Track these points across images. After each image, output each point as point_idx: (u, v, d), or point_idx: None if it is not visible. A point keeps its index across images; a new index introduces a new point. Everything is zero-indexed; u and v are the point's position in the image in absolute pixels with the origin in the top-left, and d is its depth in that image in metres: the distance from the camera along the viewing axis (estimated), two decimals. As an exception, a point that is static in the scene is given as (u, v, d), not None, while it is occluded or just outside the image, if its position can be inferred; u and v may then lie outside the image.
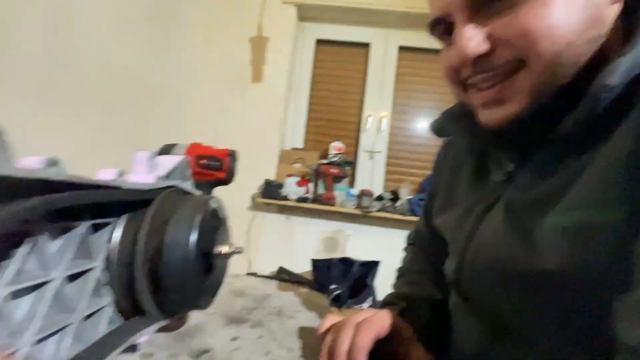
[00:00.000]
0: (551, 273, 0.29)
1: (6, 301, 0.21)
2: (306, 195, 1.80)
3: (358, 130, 2.00)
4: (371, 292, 1.52)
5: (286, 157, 1.89)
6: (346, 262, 1.59)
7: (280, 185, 1.76)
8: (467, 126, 0.38)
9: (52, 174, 0.20)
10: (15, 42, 0.93)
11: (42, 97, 1.02)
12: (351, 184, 1.95)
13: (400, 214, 1.67)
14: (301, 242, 1.82)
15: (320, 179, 1.81)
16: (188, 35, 1.83)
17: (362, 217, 1.76)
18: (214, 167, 0.56)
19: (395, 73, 1.99)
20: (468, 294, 0.39)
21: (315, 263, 1.58)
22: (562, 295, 0.29)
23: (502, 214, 0.35)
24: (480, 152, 0.43)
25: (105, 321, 0.30)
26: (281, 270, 1.68)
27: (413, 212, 1.69)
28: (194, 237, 0.33)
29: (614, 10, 0.29)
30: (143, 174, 0.33)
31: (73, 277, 0.26)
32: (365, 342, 0.36)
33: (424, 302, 0.47)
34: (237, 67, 1.89)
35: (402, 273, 0.57)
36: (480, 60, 0.30)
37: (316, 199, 1.76)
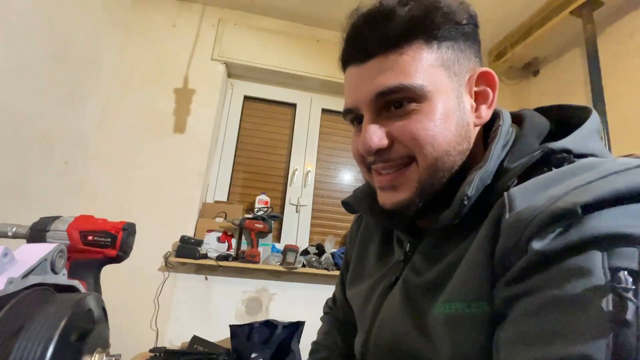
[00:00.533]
0: (439, 357, 0.31)
1: None
2: (228, 252, 1.69)
3: (285, 184, 2.03)
4: (295, 356, 1.43)
5: (208, 211, 1.79)
6: (269, 325, 1.49)
7: (199, 242, 1.63)
8: (371, 205, 0.43)
9: None
10: None
11: None
12: (277, 238, 1.91)
13: (325, 268, 1.68)
14: (220, 305, 1.66)
15: (244, 234, 1.74)
16: (104, 80, 1.71)
17: (287, 273, 1.72)
18: (104, 245, 0.50)
19: (319, 132, 2.14)
20: None
21: (235, 329, 1.44)
22: None
23: (400, 294, 0.38)
24: (385, 229, 0.48)
25: None
26: (195, 339, 1.49)
27: (337, 266, 1.71)
28: (49, 353, 0.27)
29: (476, 131, 0.39)
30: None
31: None
32: None
33: None
34: (158, 116, 1.81)
35: (314, 348, 0.55)
36: (381, 152, 0.37)
37: (239, 256, 1.67)
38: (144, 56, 1.86)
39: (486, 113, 0.39)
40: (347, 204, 0.49)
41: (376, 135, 0.36)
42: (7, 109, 1.18)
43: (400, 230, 0.43)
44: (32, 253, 0.33)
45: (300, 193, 2.01)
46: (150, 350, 1.38)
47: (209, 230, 1.72)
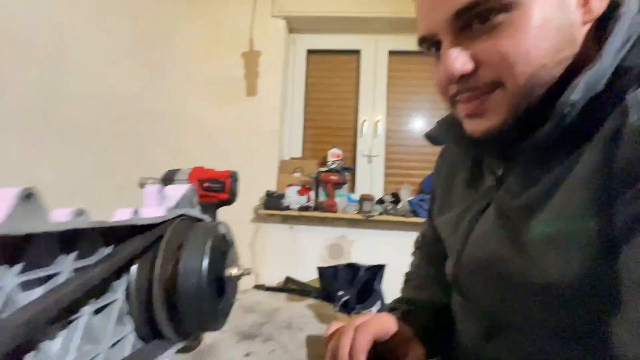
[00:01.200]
0: (538, 277, 0.31)
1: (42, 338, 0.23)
2: (308, 203, 1.82)
3: (355, 136, 2.03)
4: (379, 296, 1.53)
5: (286, 168, 1.92)
6: (352, 267, 1.61)
7: (281, 196, 1.78)
8: (457, 135, 0.41)
9: (80, 223, 0.22)
10: (8, 75, 0.96)
11: (37, 129, 1.05)
12: (351, 189, 1.97)
13: (402, 215, 1.69)
14: (306, 251, 1.84)
15: (320, 186, 1.83)
16: (180, 55, 1.87)
17: (365, 221, 1.78)
18: (217, 189, 0.59)
19: (387, 77, 2.02)
20: (465, 293, 0.41)
21: (322, 271, 1.59)
22: (549, 298, 0.31)
23: (494, 217, 0.37)
24: (474, 158, 0.46)
25: (129, 348, 0.32)
26: (288, 280, 1.69)
27: (414, 213, 1.70)
28: (205, 263, 0.35)
29: (585, 29, 0.32)
30: (154, 206, 0.36)
31: (98, 310, 0.28)
32: (364, 344, 0.38)
33: (426, 305, 0.49)
34: (231, 82, 1.92)
35: (408, 278, 0.59)
36: (464, 78, 0.33)
37: (318, 207, 1.78)
38: (210, 25, 1.95)
39: (599, 4, 0.31)
40: (432, 136, 0.47)
41: (458, 60, 0.32)
42: (116, 92, 1.39)
43: (491, 157, 0.40)
44: (175, 192, 0.41)
45: (371, 144, 1.99)
46: (254, 287, 1.63)
47: (289, 185, 1.86)
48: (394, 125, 2.03)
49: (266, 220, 1.85)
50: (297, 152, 2.06)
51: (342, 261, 1.74)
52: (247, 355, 0.42)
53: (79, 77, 1.18)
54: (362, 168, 1.98)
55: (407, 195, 1.78)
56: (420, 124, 2.01)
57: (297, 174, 1.89)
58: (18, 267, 0.20)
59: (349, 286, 1.54)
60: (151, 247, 0.34)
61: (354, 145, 2.02)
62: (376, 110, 2.01)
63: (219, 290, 0.37)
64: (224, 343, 0.45)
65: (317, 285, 1.64)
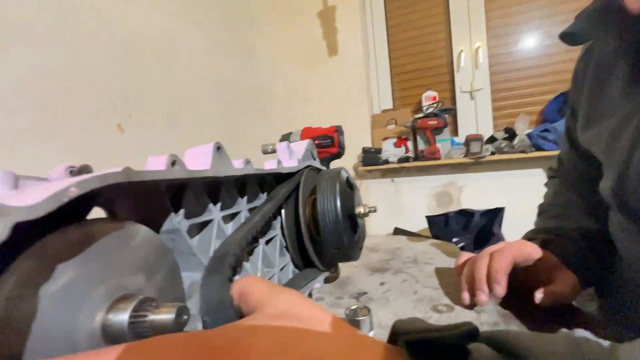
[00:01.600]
0: None
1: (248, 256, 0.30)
2: (407, 154, 1.76)
3: (451, 72, 1.82)
4: (499, 239, 1.42)
5: (378, 121, 1.88)
6: (465, 213, 1.52)
7: (378, 151, 1.77)
8: (614, 22, 0.33)
9: (250, 170, 0.28)
10: (143, 77, 1.19)
11: (166, 118, 1.28)
12: (454, 132, 1.81)
13: (521, 151, 1.48)
14: (411, 202, 1.81)
15: (418, 134, 1.74)
16: (261, 30, 1.96)
17: (474, 164, 1.63)
18: (327, 145, 0.63)
19: (484, -7, 1.70)
20: (634, 213, 0.35)
21: (431, 219, 1.56)
22: None
23: None
24: (636, 52, 0.36)
25: (290, 273, 0.39)
26: (397, 231, 1.72)
27: (537, 147, 1.47)
28: (338, 203, 0.39)
29: None
30: (287, 159, 0.41)
31: (267, 243, 0.35)
32: (503, 266, 0.36)
33: (571, 232, 0.43)
34: (312, 46, 1.94)
35: (543, 209, 0.53)
36: None
37: (418, 157, 1.71)
38: (284, -6, 1.96)
39: None
40: (570, 35, 0.38)
41: None
42: (215, 79, 1.57)
43: None
44: (300, 147, 0.46)
45: (472, 76, 1.75)
46: (394, 231, 1.72)
47: (384, 138, 1.82)
48: (499, 50, 1.73)
49: (366, 177, 1.89)
50: (388, 103, 1.98)
51: (452, 209, 1.66)
52: (382, 284, 0.46)
53: (187, 71, 1.38)
54: (464, 106, 1.78)
55: (524, 128, 1.53)
56: (532, 42, 1.65)
57: (391, 126, 1.84)
58: (219, 205, 0.27)
59: (464, 232, 1.47)
60: (291, 193, 0.40)
61: (452, 82, 1.82)
62: (474, 36, 1.73)
63: (352, 226, 0.41)
64: (358, 275, 0.50)
65: (428, 234, 1.62)
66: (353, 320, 0.32)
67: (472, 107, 1.76)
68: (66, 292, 0.14)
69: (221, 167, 0.24)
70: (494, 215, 1.46)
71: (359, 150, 1.82)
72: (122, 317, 0.15)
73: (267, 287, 0.18)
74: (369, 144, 1.85)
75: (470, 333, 0.13)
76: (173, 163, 0.19)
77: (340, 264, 0.51)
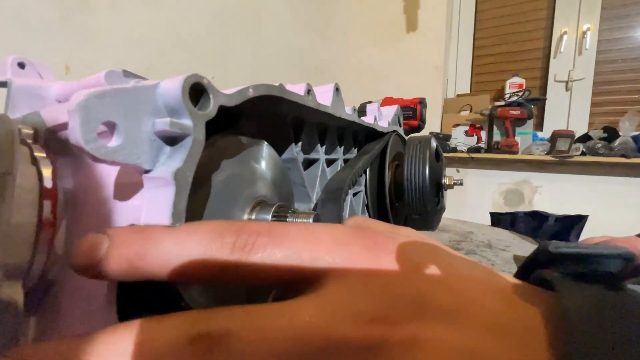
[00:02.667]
0: None
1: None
2: (479, 144, 1.63)
3: (546, 58, 1.61)
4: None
5: (450, 106, 1.76)
6: (537, 216, 1.39)
7: (447, 137, 1.67)
8: None
9: (355, 117, 0.28)
10: (232, 46, 1.25)
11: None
12: (538, 126, 1.62)
13: (622, 155, 1.28)
14: (475, 196, 1.70)
15: (495, 124, 1.59)
16: (342, 3, 1.91)
17: (557, 164, 1.46)
18: (408, 117, 0.61)
19: (606, -36, 1.44)
20: None
21: (496, 216, 1.45)
22: None
23: None
24: None
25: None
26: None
27: (643, 152, 1.26)
28: (427, 168, 0.38)
29: None
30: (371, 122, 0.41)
31: (353, 196, 0.36)
32: None
33: None
34: (389, 20, 1.85)
35: None
36: None
37: (492, 148, 1.58)
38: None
39: None
40: None
41: None
42: (291, 45, 1.59)
43: None
44: (389, 111, 0.46)
45: (572, 64, 1.53)
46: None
47: (455, 125, 1.71)
48: (612, 34, 1.47)
49: (429, 164, 1.81)
50: (464, 88, 1.83)
51: (522, 209, 1.52)
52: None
53: (268, 38, 1.42)
54: (556, 98, 1.57)
55: (631, 128, 1.31)
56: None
57: (464, 113, 1.71)
58: (324, 147, 0.28)
59: (533, 237, 1.35)
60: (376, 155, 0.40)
61: (545, 70, 1.61)
62: (584, 16, 1.49)
63: (437, 195, 0.40)
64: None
65: (489, 231, 1.52)
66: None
67: (566, 100, 1.55)
68: (227, 184, 0.16)
69: (338, 108, 0.24)
70: (573, 222, 1.30)
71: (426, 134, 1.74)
72: (265, 216, 0.17)
73: (386, 225, 0.18)
74: (437, 129, 1.76)
75: (627, 257, 0.11)
76: (308, 92, 0.20)
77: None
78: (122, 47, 0.93)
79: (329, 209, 0.22)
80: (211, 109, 0.12)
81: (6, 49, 0.71)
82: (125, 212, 0.12)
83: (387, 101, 0.63)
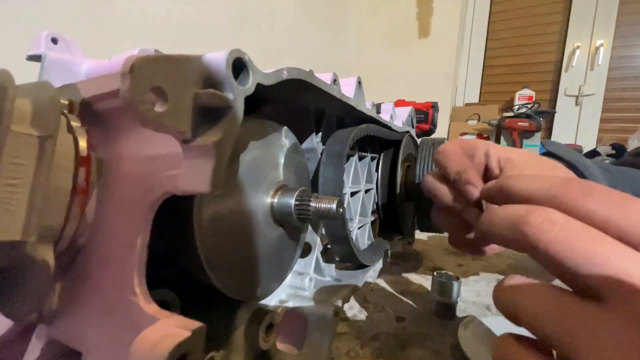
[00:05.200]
0: None
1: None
2: (484, 154, 1.63)
3: (557, 71, 1.60)
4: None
5: (458, 115, 1.76)
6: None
7: (453, 145, 1.67)
8: None
9: (374, 113, 0.28)
10: (246, 40, 1.26)
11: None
12: (547, 138, 1.62)
13: (628, 172, 1.27)
14: (478, 205, 1.69)
15: (503, 135, 1.59)
16: (355, 8, 1.92)
17: (563, 177, 1.45)
18: (419, 120, 0.61)
19: (623, -18, 1.44)
20: None
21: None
22: None
23: None
24: None
25: (377, 228, 0.39)
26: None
27: (651, 171, 1.25)
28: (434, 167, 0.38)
29: None
30: (387, 120, 0.41)
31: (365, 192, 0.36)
32: None
33: None
34: (402, 26, 1.85)
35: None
36: None
37: (498, 158, 1.57)
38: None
39: None
40: None
41: None
42: (302, 44, 1.59)
43: None
44: (403, 112, 0.46)
45: (583, 79, 1.53)
46: None
47: (462, 134, 1.71)
48: (625, 51, 1.47)
49: (434, 170, 1.80)
50: (473, 97, 1.83)
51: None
52: (460, 265, 0.45)
53: (280, 36, 1.42)
54: (566, 112, 1.57)
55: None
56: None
57: (472, 122, 1.71)
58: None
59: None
60: (387, 153, 0.40)
61: (555, 83, 1.61)
62: (597, 32, 1.49)
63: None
64: (433, 253, 0.49)
65: (491, 242, 1.51)
66: (442, 282, 0.31)
67: (575, 114, 1.55)
68: (253, 165, 0.17)
69: (359, 101, 0.25)
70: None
71: (432, 142, 1.74)
72: (289, 200, 0.17)
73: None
74: (444, 137, 1.75)
75: None
76: (334, 81, 0.20)
77: (414, 240, 0.51)
78: (137, 36, 0.93)
79: (331, 173, 0.22)
80: (250, 85, 0.12)
81: (25, 30, 0.71)
82: (161, 182, 0.12)
83: (399, 103, 0.63)
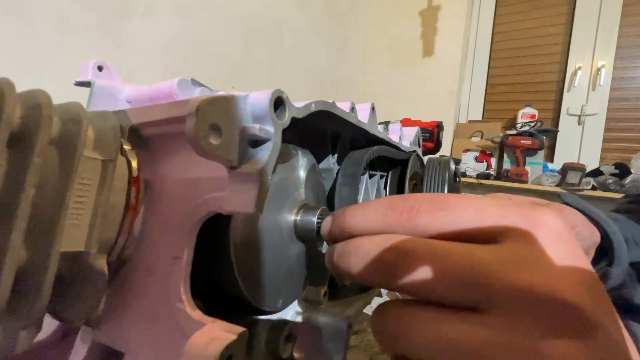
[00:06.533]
0: None
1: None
2: (488, 171, 1.65)
3: (559, 91, 1.63)
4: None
5: (462, 132, 1.78)
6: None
7: (457, 161, 1.69)
8: None
9: (384, 135, 0.30)
10: (254, 57, 1.30)
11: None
12: (549, 157, 1.63)
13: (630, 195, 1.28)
14: (482, 221, 1.70)
15: (506, 152, 1.61)
16: (361, 26, 1.98)
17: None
18: (425, 139, 0.63)
19: (622, 9, 1.48)
20: None
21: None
22: None
23: None
24: None
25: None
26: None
27: (655, 191, 1.25)
28: (446, 189, 0.39)
29: None
30: (396, 140, 0.43)
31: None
32: None
33: None
34: (406, 44, 1.90)
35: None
36: None
37: (501, 175, 1.59)
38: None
39: None
40: None
41: None
42: (309, 64, 1.64)
43: None
44: (410, 131, 0.48)
45: (585, 99, 1.55)
46: None
47: (466, 150, 1.73)
48: (627, 72, 1.50)
49: (437, 186, 1.82)
50: (477, 114, 1.86)
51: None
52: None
53: (287, 52, 1.47)
54: (568, 131, 1.59)
55: (642, 167, 1.32)
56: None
57: (475, 139, 1.73)
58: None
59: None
60: (395, 172, 0.41)
61: (557, 103, 1.64)
62: (599, 53, 1.53)
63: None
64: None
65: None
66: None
67: (578, 133, 1.57)
68: (279, 186, 0.18)
69: (373, 126, 0.26)
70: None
71: (436, 157, 1.75)
72: (311, 218, 0.19)
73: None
74: (447, 153, 1.77)
75: None
76: (352, 109, 0.22)
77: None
78: (151, 52, 0.97)
79: (346, 193, 0.24)
80: (286, 119, 0.14)
81: (46, 46, 0.75)
82: (207, 202, 0.14)
83: (405, 122, 0.65)
